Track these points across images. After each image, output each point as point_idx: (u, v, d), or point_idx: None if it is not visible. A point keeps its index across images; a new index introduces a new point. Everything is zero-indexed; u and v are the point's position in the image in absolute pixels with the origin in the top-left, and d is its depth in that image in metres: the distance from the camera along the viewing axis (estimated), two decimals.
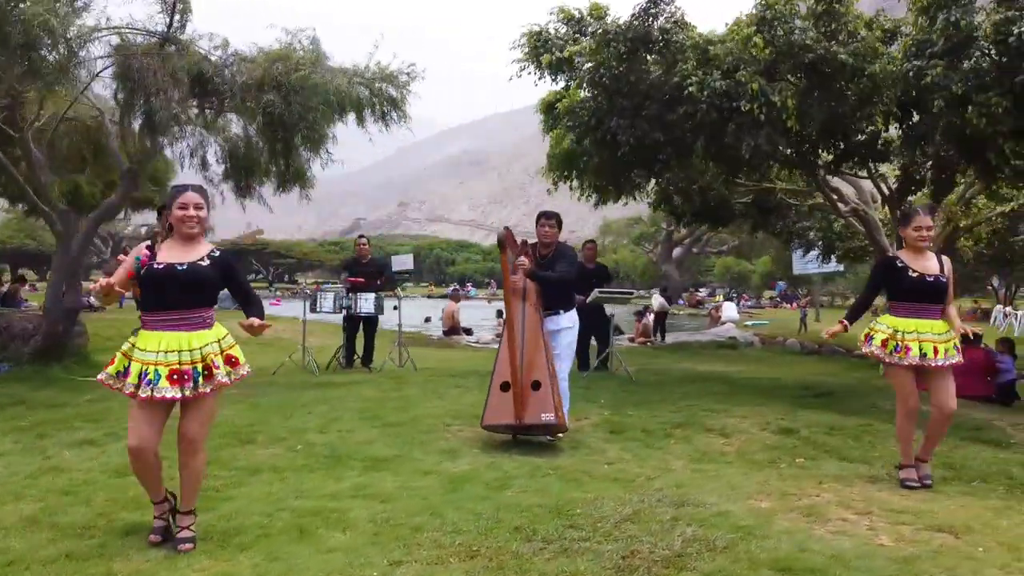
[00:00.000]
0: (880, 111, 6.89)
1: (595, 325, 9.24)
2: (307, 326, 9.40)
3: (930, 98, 6.48)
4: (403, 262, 28.03)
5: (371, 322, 9.40)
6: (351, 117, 8.20)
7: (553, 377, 5.31)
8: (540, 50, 8.35)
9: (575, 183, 10.51)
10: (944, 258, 4.47)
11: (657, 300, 24.80)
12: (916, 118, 7.86)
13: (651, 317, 24.57)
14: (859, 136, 8.30)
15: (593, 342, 9.66)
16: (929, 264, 4.37)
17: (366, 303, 8.99)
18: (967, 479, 4.61)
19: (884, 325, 4.41)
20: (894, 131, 8.26)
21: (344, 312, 9.11)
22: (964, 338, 9.65)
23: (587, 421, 6.12)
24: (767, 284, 50.97)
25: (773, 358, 15.50)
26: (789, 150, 7.96)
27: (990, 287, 36.30)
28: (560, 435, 5.44)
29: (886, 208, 10.66)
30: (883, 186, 9.78)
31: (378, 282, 9.24)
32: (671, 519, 3.73)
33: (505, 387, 5.25)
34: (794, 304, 35.45)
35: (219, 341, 3.31)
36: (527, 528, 3.60)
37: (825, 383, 8.63)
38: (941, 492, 4.29)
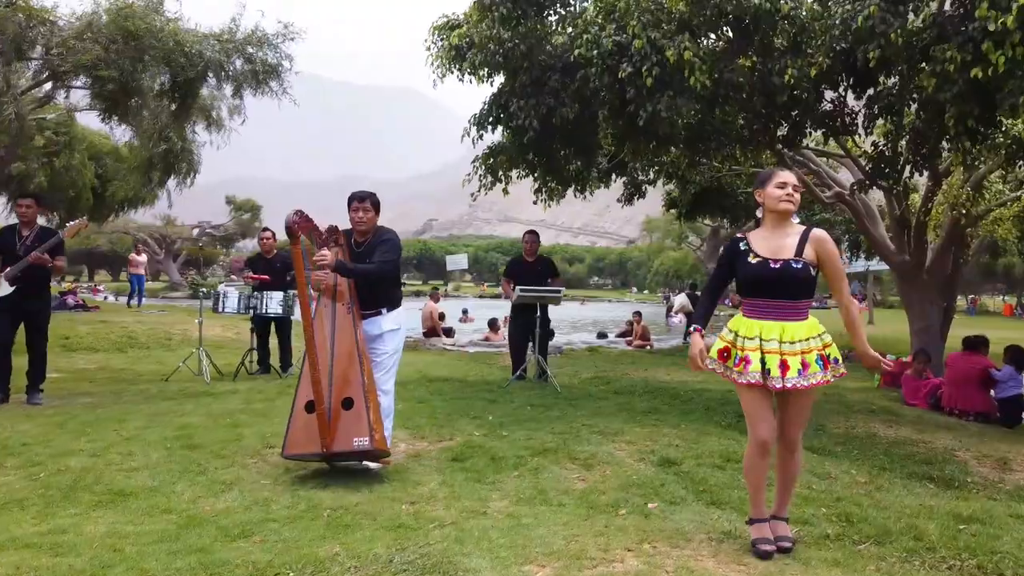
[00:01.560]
0: (817, 63, 5.60)
1: (532, 327, 8.23)
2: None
3: (865, 48, 5.19)
4: (457, 262, 27.38)
5: (282, 323, 8.56)
6: (248, 95, 7.34)
7: (370, 392, 4.34)
8: (449, 33, 7.36)
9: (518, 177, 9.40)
10: (817, 235, 3.16)
11: (679, 300, 23.58)
12: (891, 82, 6.58)
13: (679, 318, 23.29)
14: (824, 104, 7.03)
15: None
16: (783, 244, 3.14)
17: (273, 303, 8.17)
18: (859, 537, 3.42)
19: (727, 329, 3.27)
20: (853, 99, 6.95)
21: (251, 313, 8.30)
22: (967, 345, 8.26)
23: (444, 443, 5.12)
24: None
25: None
26: (742, 120, 6.76)
27: None
28: (384, 460, 4.48)
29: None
30: (864, 164, 8.36)
31: (287, 278, 8.35)
32: None
33: (311, 408, 4.31)
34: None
35: None
36: None
37: None
38: (801, 558, 3.13)
